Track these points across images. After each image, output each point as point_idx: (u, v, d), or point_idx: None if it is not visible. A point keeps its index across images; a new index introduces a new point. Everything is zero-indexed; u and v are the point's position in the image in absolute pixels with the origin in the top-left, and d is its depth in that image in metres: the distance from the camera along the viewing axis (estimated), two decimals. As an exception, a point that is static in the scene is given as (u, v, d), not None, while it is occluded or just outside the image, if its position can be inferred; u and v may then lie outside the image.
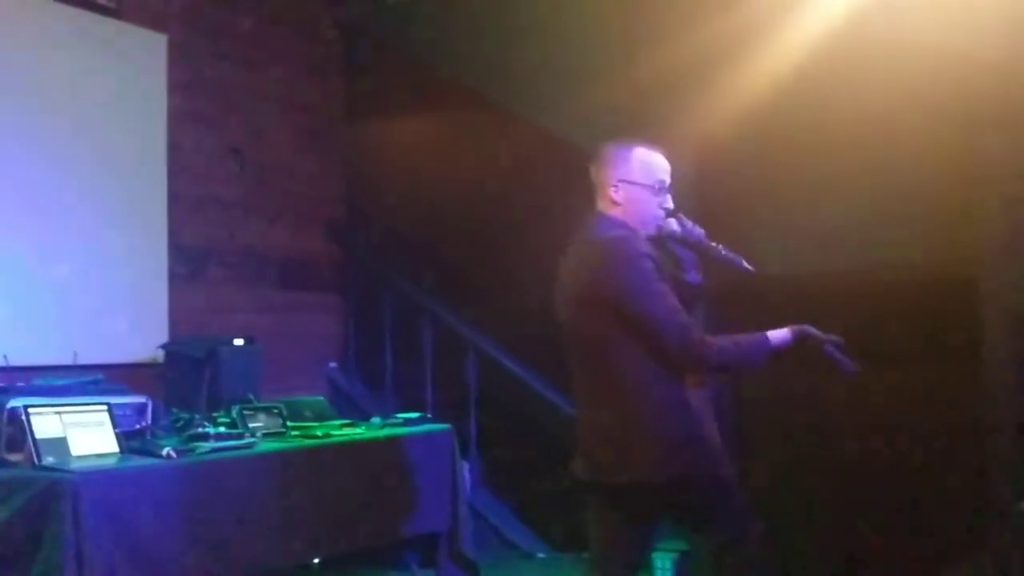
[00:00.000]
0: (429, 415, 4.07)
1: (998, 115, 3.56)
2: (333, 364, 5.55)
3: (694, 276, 2.67)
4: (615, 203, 2.58)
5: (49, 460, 2.64)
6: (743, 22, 4.04)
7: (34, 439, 2.66)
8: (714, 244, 2.63)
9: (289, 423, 3.41)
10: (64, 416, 2.76)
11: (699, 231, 2.64)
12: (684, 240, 2.63)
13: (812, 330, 2.49)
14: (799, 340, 2.48)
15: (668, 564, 4.31)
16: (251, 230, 5.19)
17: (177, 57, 4.80)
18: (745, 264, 2.58)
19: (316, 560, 3.58)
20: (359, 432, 3.55)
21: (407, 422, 3.75)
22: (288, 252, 5.39)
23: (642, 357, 2.45)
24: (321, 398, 4.02)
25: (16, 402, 2.85)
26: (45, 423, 2.71)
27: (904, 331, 3.91)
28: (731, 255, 2.61)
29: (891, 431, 3.96)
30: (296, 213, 5.45)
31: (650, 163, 2.60)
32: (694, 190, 4.28)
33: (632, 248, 2.47)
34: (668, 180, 2.62)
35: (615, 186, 2.58)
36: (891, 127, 3.87)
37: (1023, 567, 1.87)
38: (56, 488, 2.49)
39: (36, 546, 2.45)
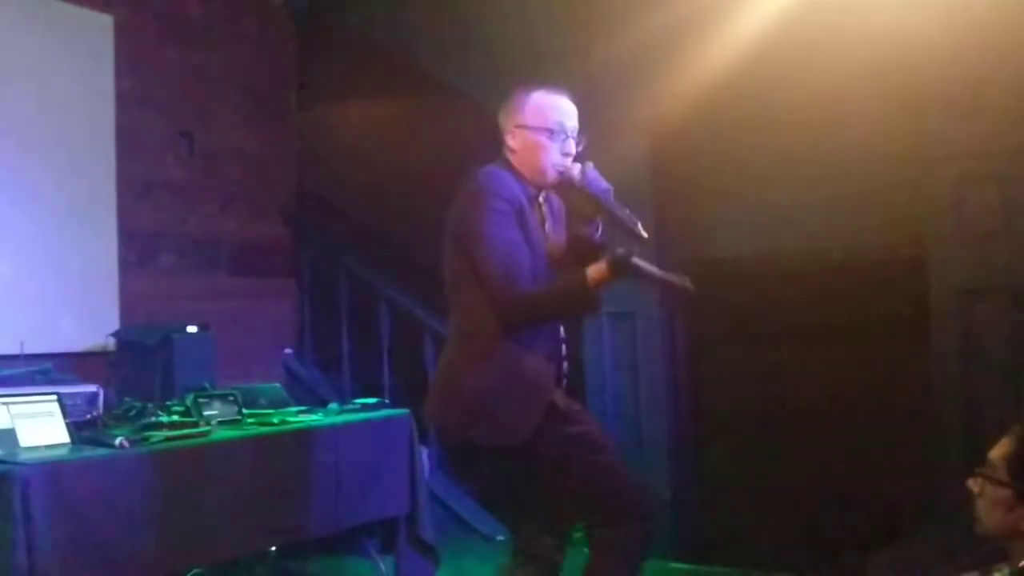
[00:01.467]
0: (387, 400, 4.05)
1: (947, 97, 3.62)
2: (288, 350, 5.50)
3: (590, 229, 2.46)
4: (512, 150, 2.46)
5: (-3, 452, 2.59)
6: (696, 6, 4.06)
7: (-19, 431, 2.60)
8: (613, 202, 2.38)
9: (245, 411, 3.37)
10: (12, 407, 2.69)
11: (603, 184, 2.40)
12: (583, 191, 2.41)
13: (636, 261, 2.28)
14: (620, 267, 2.27)
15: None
16: (202, 215, 5.11)
17: (124, 39, 4.69)
18: (640, 230, 2.34)
19: (273, 548, 3.56)
20: (316, 419, 3.53)
21: (364, 408, 3.73)
22: (240, 237, 5.33)
23: (481, 305, 2.33)
24: (277, 385, 3.98)
25: (-39, 394, 2.78)
26: (-8, 415, 2.65)
27: (855, 309, 3.98)
28: (629, 216, 2.36)
29: (843, 406, 4.03)
30: (248, 198, 5.38)
31: (547, 106, 2.44)
32: (649, 172, 4.33)
33: (487, 185, 2.36)
34: (571, 123, 2.45)
35: (511, 132, 2.46)
36: (841, 109, 3.93)
37: (970, 541, 1.92)
38: (5, 480, 2.43)
39: (-15, 540, 2.40)
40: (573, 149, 2.44)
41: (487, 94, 5.33)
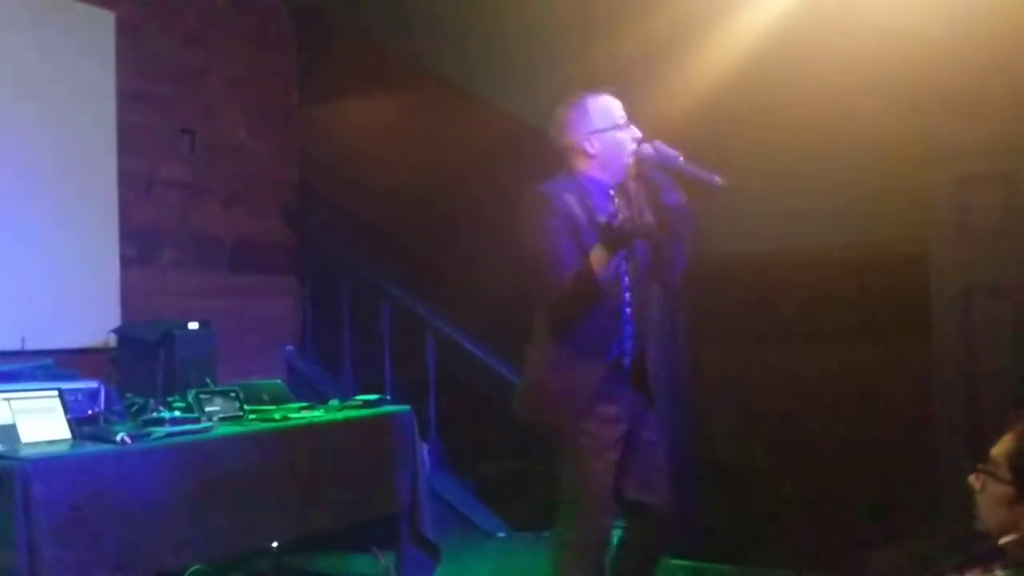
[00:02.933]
0: (388, 397, 4.06)
1: (949, 95, 3.61)
2: (290, 347, 5.50)
3: (672, 197, 2.71)
4: (591, 156, 2.69)
5: (-2, 447, 2.59)
6: (698, 6, 4.06)
7: (-18, 426, 2.60)
8: (687, 164, 2.67)
9: (246, 407, 3.38)
10: (13, 402, 2.70)
11: (673, 152, 2.67)
12: (659, 163, 2.68)
13: (620, 224, 2.48)
14: (605, 234, 2.48)
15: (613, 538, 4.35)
16: (204, 212, 5.11)
17: (126, 36, 4.69)
18: (717, 178, 2.62)
19: (275, 544, 3.57)
20: (317, 415, 3.53)
21: (366, 404, 3.74)
22: (242, 234, 5.32)
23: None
24: (278, 381, 3.98)
25: (-37, 389, 2.78)
26: (-7, 410, 2.65)
27: (856, 307, 3.98)
28: (705, 171, 2.64)
29: (844, 406, 4.03)
30: (250, 195, 5.38)
31: (607, 106, 2.72)
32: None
33: (539, 203, 2.61)
34: (623, 113, 2.73)
35: (588, 140, 2.69)
36: (842, 107, 3.92)
37: (969, 541, 1.93)
38: (5, 476, 2.44)
39: (-14, 535, 2.40)
40: (638, 132, 2.72)
41: (488, 92, 5.36)
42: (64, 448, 2.70)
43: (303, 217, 5.69)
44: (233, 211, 5.28)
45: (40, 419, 2.73)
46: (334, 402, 3.74)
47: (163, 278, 4.83)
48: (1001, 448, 1.91)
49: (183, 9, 5.06)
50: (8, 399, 2.70)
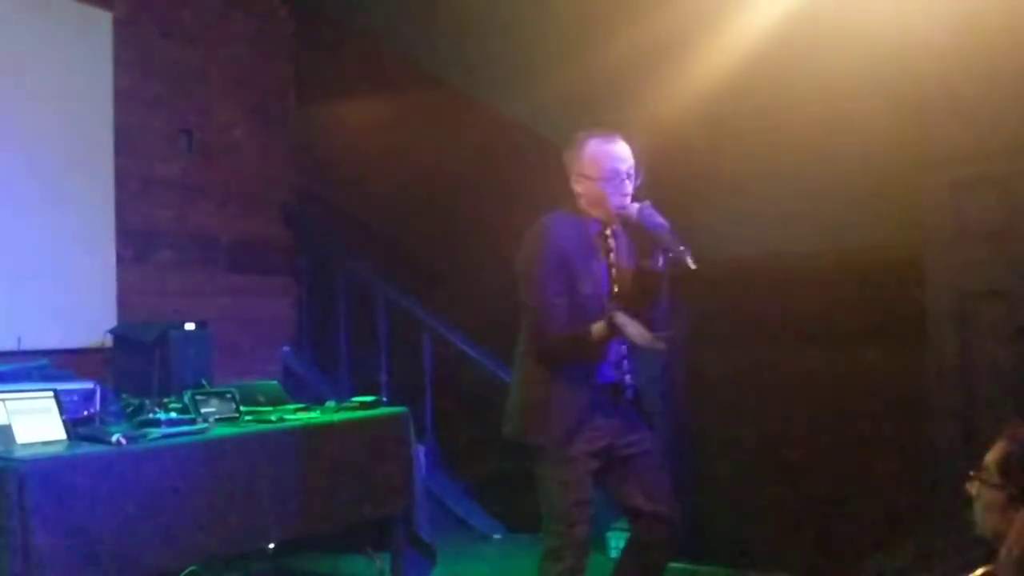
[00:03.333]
0: (384, 398, 4.06)
1: (946, 100, 3.61)
2: (286, 348, 5.50)
3: (653, 261, 2.71)
4: (578, 194, 2.76)
5: (-7, 448, 2.58)
6: (696, 9, 4.06)
7: (-23, 427, 2.59)
8: (667, 236, 2.64)
9: (242, 408, 3.37)
10: (8, 403, 2.68)
11: (658, 220, 2.66)
12: (639, 227, 2.70)
13: (618, 319, 2.57)
14: (610, 328, 2.59)
15: (622, 543, 4.35)
16: (201, 212, 5.10)
17: (123, 35, 4.68)
18: (689, 262, 2.60)
19: (271, 545, 3.56)
20: (313, 416, 3.52)
21: (362, 405, 3.73)
22: (239, 235, 5.32)
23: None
24: (275, 382, 3.98)
25: (-42, 390, 2.77)
26: (-11, 411, 2.64)
27: (853, 311, 3.98)
28: (679, 251, 2.61)
29: (839, 410, 4.04)
30: (247, 195, 5.38)
31: (599, 155, 2.73)
32: (648, 175, 4.32)
33: (538, 235, 2.70)
34: (625, 166, 2.72)
35: (576, 179, 2.75)
36: (840, 111, 3.93)
37: (963, 547, 1.93)
38: (1, 477, 2.43)
39: (-19, 536, 2.39)
40: (630, 190, 2.71)
41: (487, 93, 5.35)
42: (60, 449, 2.70)
43: (300, 218, 5.68)
44: (230, 211, 5.27)
45: (36, 420, 2.72)
46: (330, 403, 3.73)
47: (160, 278, 4.83)
48: (993, 455, 1.92)
49: (180, 9, 5.05)
50: (3, 400, 2.69)
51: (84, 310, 4.35)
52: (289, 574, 3.96)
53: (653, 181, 4.31)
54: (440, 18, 5.30)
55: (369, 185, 5.96)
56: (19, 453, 2.57)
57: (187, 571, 3.21)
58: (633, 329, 2.55)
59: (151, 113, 4.86)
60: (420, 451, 3.87)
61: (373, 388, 4.76)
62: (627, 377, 2.80)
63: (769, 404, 4.20)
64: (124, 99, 4.67)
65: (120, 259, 4.61)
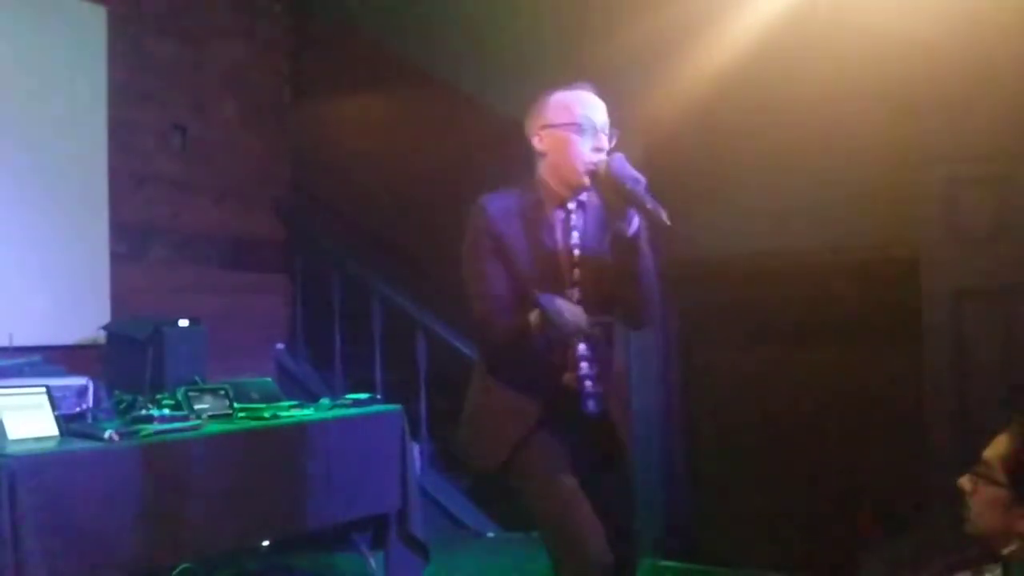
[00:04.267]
0: (379, 396, 4.04)
1: (939, 97, 3.63)
2: (281, 345, 5.48)
3: (626, 226, 2.27)
4: (542, 154, 2.36)
5: (-15, 444, 2.56)
6: (692, 6, 4.06)
7: (-31, 423, 2.58)
8: (640, 190, 2.22)
9: (236, 405, 3.36)
10: (0, 399, 2.68)
11: (631, 173, 2.24)
12: (608, 181, 2.26)
13: (544, 302, 2.19)
14: (541, 316, 2.20)
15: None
16: (195, 209, 5.08)
17: (117, 30, 4.66)
18: (664, 218, 2.19)
19: (264, 543, 3.55)
20: (307, 413, 3.51)
21: (356, 403, 3.72)
22: (234, 232, 5.30)
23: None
24: (268, 379, 3.96)
25: (-51, 385, 2.76)
26: (-20, 406, 2.63)
27: (847, 309, 3.99)
28: (654, 206, 2.20)
29: (835, 406, 4.04)
30: (241, 192, 5.36)
31: (571, 101, 2.34)
32: (642, 171, 4.32)
33: (474, 218, 2.35)
34: (599, 118, 2.33)
35: (538, 135, 2.36)
36: (834, 110, 3.94)
37: (958, 543, 1.92)
38: (-8, 473, 2.42)
39: (-29, 533, 2.38)
40: (605, 144, 2.32)
41: (482, 92, 5.35)
42: (52, 445, 2.68)
43: (295, 215, 5.67)
44: (224, 208, 5.25)
45: (28, 416, 2.71)
46: (324, 401, 3.72)
47: (154, 275, 4.81)
48: (994, 451, 1.90)
49: (175, 5, 5.03)
50: (-5, 395, 2.68)
51: (78, 306, 4.34)
52: (282, 571, 3.95)
53: (649, 179, 4.31)
54: (436, 16, 5.29)
55: (365, 183, 5.95)
56: (11, 449, 2.56)
57: (180, 568, 3.20)
58: (568, 314, 2.17)
59: (145, 109, 4.84)
60: (414, 449, 3.87)
61: (367, 386, 4.74)
62: (587, 383, 2.33)
63: (765, 401, 4.20)
64: (118, 95, 4.65)
65: (114, 255, 4.59)
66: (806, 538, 3.95)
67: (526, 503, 2.32)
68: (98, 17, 4.59)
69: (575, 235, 2.36)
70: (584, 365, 2.33)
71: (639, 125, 4.29)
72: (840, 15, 3.80)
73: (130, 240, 4.71)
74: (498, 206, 2.36)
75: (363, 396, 3.83)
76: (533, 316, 2.21)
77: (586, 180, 2.32)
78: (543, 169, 2.39)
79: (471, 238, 2.36)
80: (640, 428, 4.39)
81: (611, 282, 2.33)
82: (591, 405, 2.33)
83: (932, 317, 3.62)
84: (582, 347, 2.32)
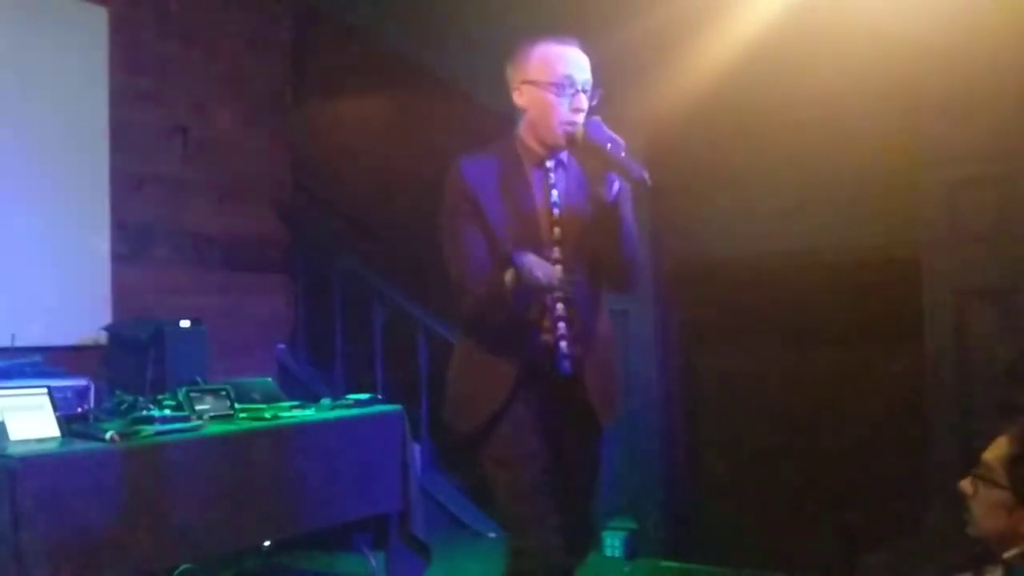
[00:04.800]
0: (380, 396, 4.04)
1: (941, 99, 3.62)
2: (282, 345, 5.48)
3: (602, 190, 2.23)
4: (521, 109, 2.32)
5: (-14, 445, 2.57)
6: (694, 5, 4.05)
7: (-30, 424, 2.58)
8: (618, 152, 2.19)
9: (237, 405, 3.36)
10: (1, 400, 2.67)
11: (607, 134, 2.20)
12: (586, 144, 2.22)
13: (517, 259, 2.16)
14: (517, 275, 2.17)
15: (618, 542, 4.36)
16: (196, 209, 5.09)
17: (118, 31, 4.67)
18: (646, 175, 2.16)
19: (266, 543, 3.55)
20: (308, 414, 3.51)
21: (357, 403, 3.72)
22: (234, 232, 5.30)
23: None
24: (269, 380, 3.96)
25: (-50, 386, 2.76)
26: (-19, 407, 2.63)
27: (849, 310, 3.98)
28: (634, 165, 2.18)
29: (836, 407, 4.04)
30: (242, 192, 5.36)
31: (553, 58, 2.28)
32: (645, 171, 4.32)
33: (450, 180, 2.32)
34: (582, 76, 2.28)
35: (518, 89, 2.32)
36: (836, 110, 3.93)
37: (959, 546, 1.92)
38: (-6, 474, 2.42)
39: (-28, 533, 2.38)
40: (584, 104, 2.27)
41: (484, 90, 5.34)
42: (53, 446, 2.68)
43: (296, 215, 5.67)
44: (225, 208, 5.25)
45: (29, 417, 2.71)
46: (325, 401, 3.72)
47: (154, 275, 4.81)
48: (995, 452, 1.89)
49: (176, 5, 5.04)
50: (-4, 396, 2.68)
51: (79, 307, 4.34)
52: (283, 572, 3.95)
53: (651, 178, 4.30)
54: (437, 16, 5.28)
55: (365, 182, 5.95)
56: (12, 450, 2.56)
57: (181, 569, 3.21)
58: (539, 271, 2.13)
59: (146, 110, 4.84)
60: (415, 449, 3.86)
61: (368, 386, 4.75)
62: (562, 344, 2.28)
63: (766, 403, 4.20)
64: (119, 95, 4.65)
65: (115, 256, 4.59)
66: (808, 539, 3.95)
67: (490, 486, 2.33)
68: (99, 18, 4.59)
69: (555, 193, 2.32)
70: (561, 325, 2.29)
71: (641, 124, 4.29)
72: (842, 15, 3.79)
73: (131, 240, 4.72)
74: (475, 166, 2.32)
75: (364, 396, 3.83)
76: (508, 275, 2.18)
77: (563, 142, 2.29)
78: (522, 126, 2.35)
79: (448, 201, 2.33)
80: (641, 428, 4.39)
81: (592, 242, 2.30)
82: (565, 366, 2.29)
83: (934, 317, 3.62)
84: (559, 307, 2.28)
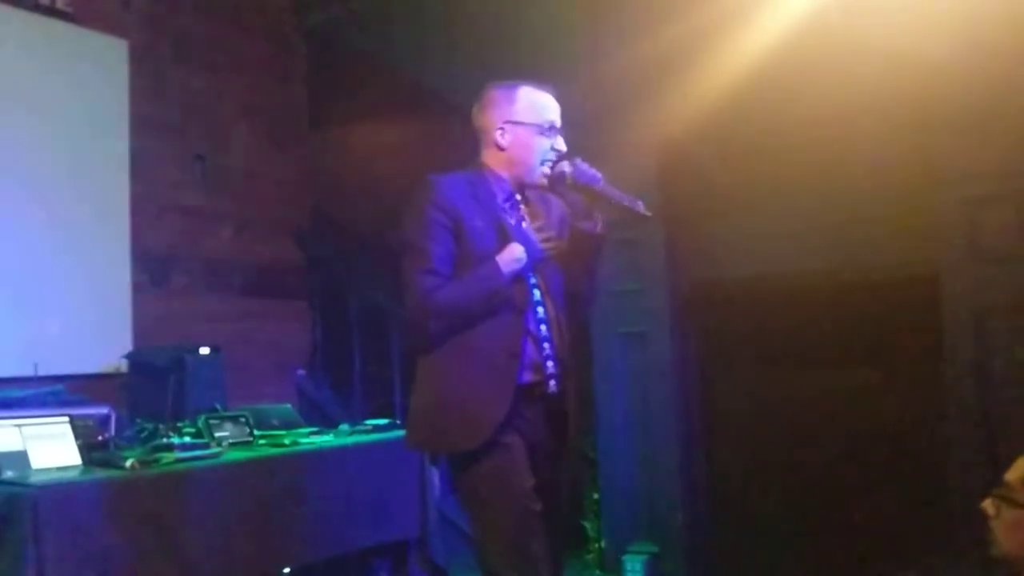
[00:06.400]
0: (398, 421, 4.05)
1: (956, 117, 3.61)
2: (301, 371, 5.50)
3: (588, 224, 2.37)
4: (500, 148, 2.41)
5: (8, 474, 2.59)
6: (705, 24, 4.07)
7: (-8, 453, 2.61)
8: (610, 187, 2.34)
9: (256, 431, 3.38)
10: (24, 429, 2.71)
11: (593, 173, 2.34)
12: (575, 184, 2.35)
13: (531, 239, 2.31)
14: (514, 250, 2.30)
15: (638, 566, 4.32)
16: (215, 237, 5.13)
17: (138, 62, 4.74)
18: (642, 208, 2.30)
19: (285, 570, 3.55)
20: (327, 439, 3.52)
21: (376, 428, 3.73)
22: (253, 259, 5.34)
23: None
24: (288, 406, 3.98)
25: (-26, 416, 2.79)
26: (4, 436, 2.66)
27: (868, 330, 3.95)
28: (628, 198, 2.32)
29: (856, 428, 4.00)
30: (261, 220, 5.40)
31: (538, 102, 2.43)
32: (658, 192, 4.32)
33: (425, 191, 2.35)
34: (558, 121, 2.43)
35: (501, 128, 2.41)
36: (852, 129, 3.92)
37: (981, 566, 1.89)
38: (15, 503, 2.44)
39: (-5, 562, 2.40)
40: (564, 146, 2.42)
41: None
42: (74, 475, 2.71)
43: (314, 242, 5.71)
44: (244, 236, 5.30)
45: (50, 445, 2.74)
46: (344, 426, 3.73)
47: (174, 303, 4.85)
48: (1017, 473, 1.88)
49: (195, 36, 5.11)
50: (19, 425, 2.71)
51: (100, 335, 4.38)
52: (303, 599, 3.94)
53: (665, 200, 4.30)
54: (452, 43, 5.33)
55: (383, 208, 5.96)
56: (34, 478, 2.59)
57: (201, 596, 3.20)
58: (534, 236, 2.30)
59: (166, 139, 4.90)
60: (434, 474, 3.86)
61: (387, 411, 4.75)
62: (548, 363, 2.33)
63: (784, 423, 4.17)
64: (140, 126, 4.72)
65: (135, 284, 4.64)
66: (827, 559, 3.91)
67: (476, 519, 2.31)
68: (119, 50, 4.66)
69: (525, 226, 2.40)
70: (546, 346, 2.34)
71: (654, 143, 4.30)
72: (856, 33, 3.79)
73: (151, 269, 4.76)
74: (451, 184, 2.38)
75: (382, 421, 3.84)
76: (507, 250, 2.28)
77: (544, 182, 2.41)
78: (495, 160, 2.44)
79: (418, 213, 2.35)
80: (659, 451, 4.37)
81: (567, 272, 2.41)
82: (552, 385, 2.35)
83: (953, 336, 3.59)
84: (543, 328, 2.34)
